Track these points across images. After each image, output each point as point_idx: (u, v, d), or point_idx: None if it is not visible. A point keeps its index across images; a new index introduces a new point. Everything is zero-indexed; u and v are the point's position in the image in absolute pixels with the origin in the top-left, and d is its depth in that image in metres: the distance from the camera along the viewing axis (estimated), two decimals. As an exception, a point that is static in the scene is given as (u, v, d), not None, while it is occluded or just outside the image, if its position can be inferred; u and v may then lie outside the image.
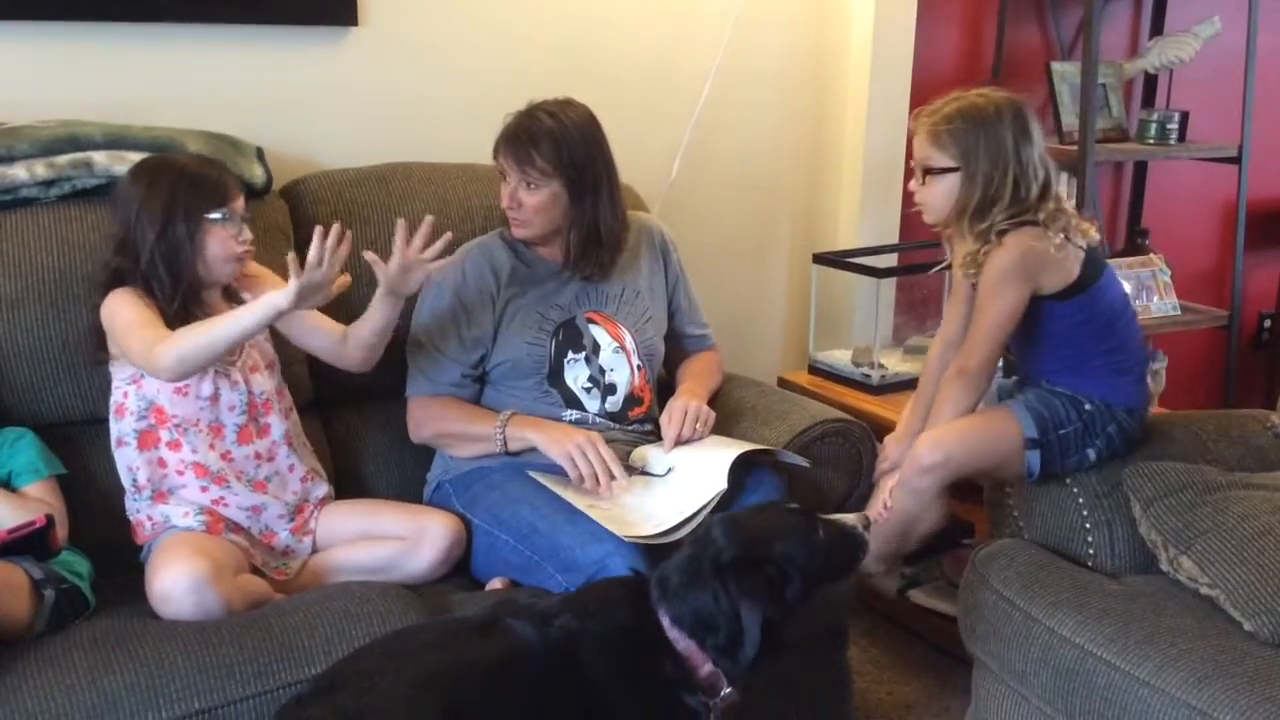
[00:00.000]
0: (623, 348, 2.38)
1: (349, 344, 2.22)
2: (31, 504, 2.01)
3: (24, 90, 2.36)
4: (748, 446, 2.22)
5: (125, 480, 2.11)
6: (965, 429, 2.22)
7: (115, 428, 2.11)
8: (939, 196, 2.22)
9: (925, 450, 2.20)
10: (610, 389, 2.36)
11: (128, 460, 2.10)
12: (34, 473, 2.05)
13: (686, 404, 2.31)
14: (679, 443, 2.26)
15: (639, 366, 2.39)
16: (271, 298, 1.97)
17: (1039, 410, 2.22)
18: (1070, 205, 2.23)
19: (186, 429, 2.08)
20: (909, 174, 3.35)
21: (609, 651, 1.63)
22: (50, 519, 1.91)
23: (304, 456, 2.23)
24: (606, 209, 2.31)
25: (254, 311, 1.98)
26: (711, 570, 1.66)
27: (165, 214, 2.03)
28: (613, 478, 2.16)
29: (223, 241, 2.07)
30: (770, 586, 1.67)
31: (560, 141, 2.24)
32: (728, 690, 1.69)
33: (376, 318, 2.18)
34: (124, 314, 2.02)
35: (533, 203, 2.27)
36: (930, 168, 2.21)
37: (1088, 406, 2.21)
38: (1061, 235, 2.16)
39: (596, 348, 2.36)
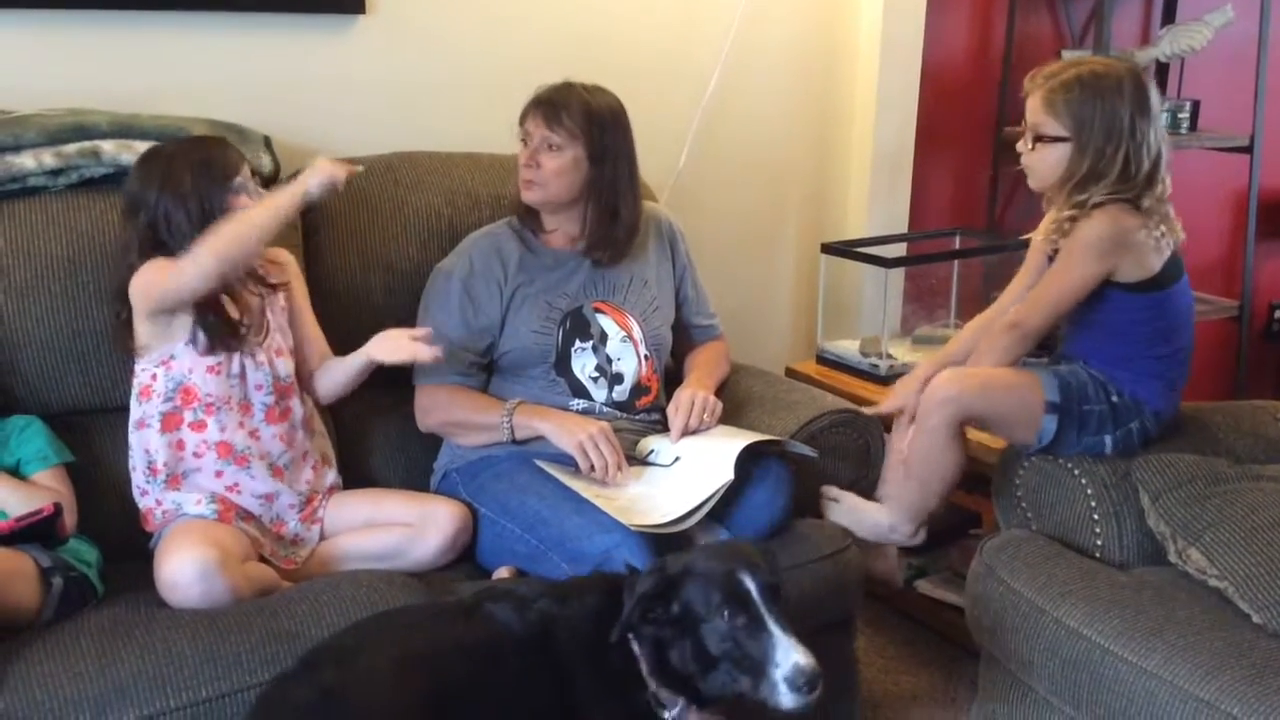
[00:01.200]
0: (630, 337, 2.38)
1: (320, 377, 2.25)
2: (40, 491, 2.01)
3: (31, 78, 2.36)
4: (755, 437, 2.22)
5: (139, 463, 2.11)
6: (987, 373, 2.22)
7: (138, 409, 2.11)
8: (1047, 164, 2.18)
9: (940, 384, 2.21)
10: (617, 378, 2.36)
11: (146, 442, 2.09)
12: (42, 460, 2.05)
13: (694, 394, 2.31)
14: (686, 433, 2.26)
15: (646, 356, 2.39)
16: (294, 186, 2.05)
17: (1066, 380, 2.21)
18: (1168, 172, 2.18)
19: (218, 408, 2.08)
20: (918, 163, 3.37)
21: (577, 634, 1.64)
22: (58, 507, 1.92)
23: (317, 443, 2.24)
24: (626, 189, 2.32)
25: (282, 195, 2.04)
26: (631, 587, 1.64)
27: (197, 205, 2.05)
28: (620, 470, 2.16)
29: (247, 207, 2.09)
30: (658, 608, 1.61)
31: (590, 111, 2.26)
32: (680, 705, 1.64)
33: (351, 367, 2.22)
34: (153, 266, 2.03)
35: (553, 165, 2.26)
36: (1042, 135, 2.16)
37: (1114, 398, 2.20)
38: (1161, 228, 2.12)
39: (604, 337, 2.36)
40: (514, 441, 2.26)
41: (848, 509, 2.38)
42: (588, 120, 2.25)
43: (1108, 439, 2.21)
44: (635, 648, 1.65)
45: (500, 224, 2.41)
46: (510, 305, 2.32)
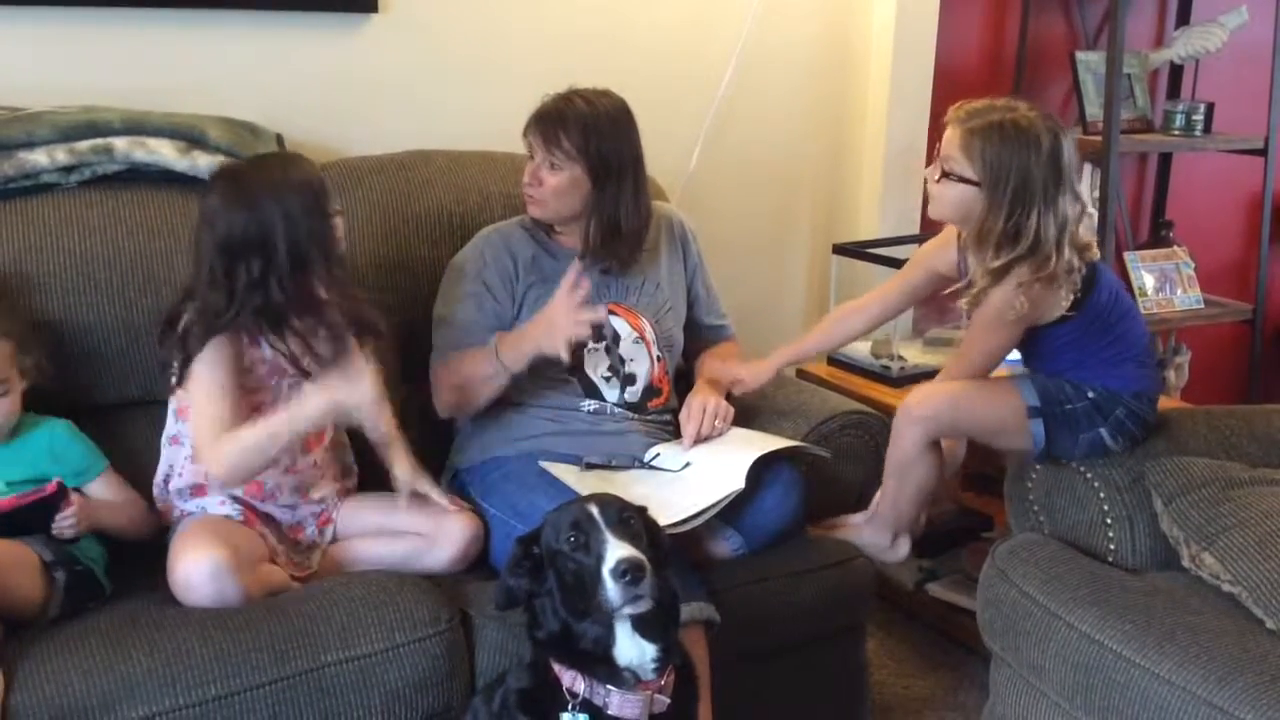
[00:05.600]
0: (643, 338, 2.37)
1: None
2: (103, 510, 2.01)
3: (44, 75, 2.36)
4: (769, 446, 2.20)
5: (163, 472, 2.10)
6: (958, 389, 2.26)
7: (175, 425, 2.10)
8: (949, 199, 2.14)
9: (914, 401, 2.26)
10: (629, 379, 2.35)
11: (175, 458, 2.09)
12: (78, 476, 2.02)
13: (705, 401, 2.30)
14: (698, 441, 2.25)
15: (659, 357, 2.39)
16: (325, 405, 1.96)
17: (1044, 385, 2.22)
18: (1082, 225, 2.14)
19: None
20: (930, 164, 3.35)
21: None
22: (62, 487, 1.91)
23: (339, 454, 2.23)
24: (629, 201, 2.29)
25: (311, 417, 1.97)
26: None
27: (308, 239, 1.97)
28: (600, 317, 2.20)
29: (340, 230, 2.06)
30: (524, 562, 1.68)
31: (589, 127, 2.23)
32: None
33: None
34: (204, 382, 1.96)
35: (553, 183, 2.26)
36: (951, 171, 2.12)
37: (1090, 394, 2.20)
38: (1071, 295, 2.10)
39: (617, 338, 2.35)
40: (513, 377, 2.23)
41: (841, 531, 2.42)
42: (587, 138, 2.23)
43: (1103, 431, 2.21)
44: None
45: (513, 222, 2.41)
46: (524, 303, 2.32)
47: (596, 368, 2.33)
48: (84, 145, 2.21)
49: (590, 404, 2.32)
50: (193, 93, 2.43)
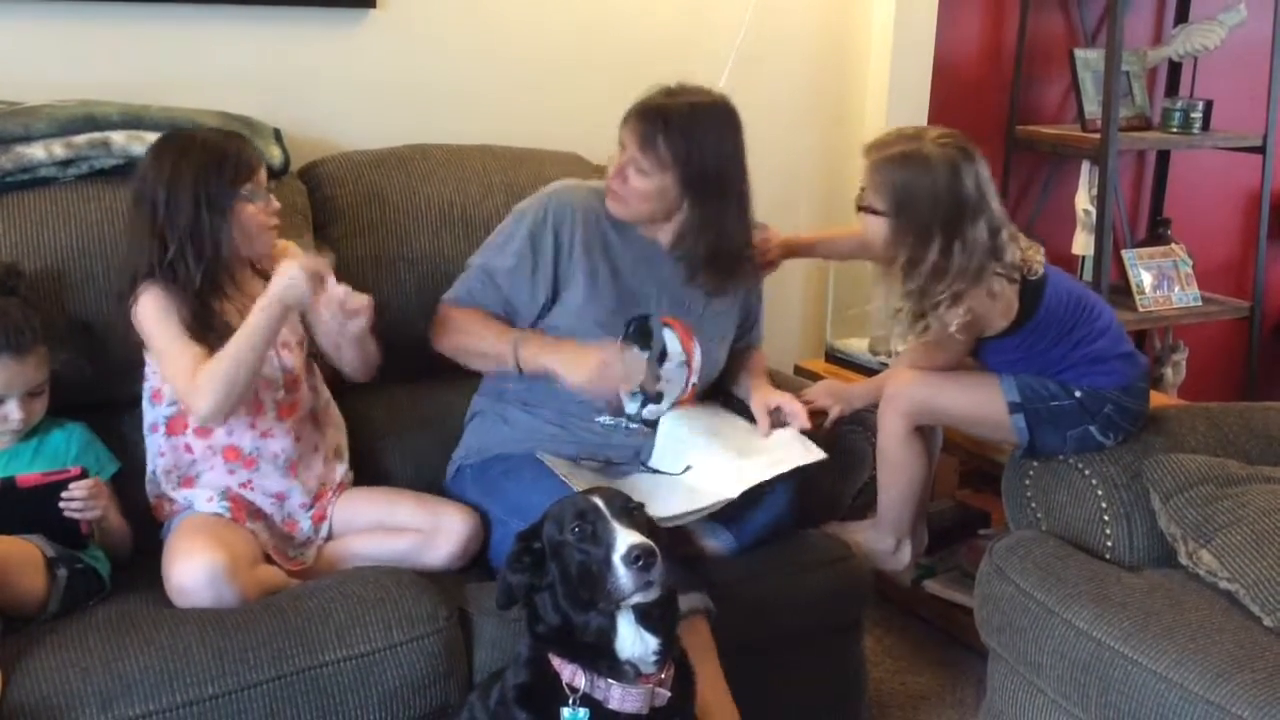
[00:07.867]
0: (688, 364, 2.29)
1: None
2: (112, 504, 2.01)
3: (42, 69, 2.36)
4: (775, 470, 2.15)
5: (150, 465, 2.11)
6: (935, 377, 2.28)
7: (150, 413, 2.11)
8: (872, 232, 2.14)
9: (891, 387, 2.32)
10: (657, 397, 2.28)
11: (157, 445, 2.10)
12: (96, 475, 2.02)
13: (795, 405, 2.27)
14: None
15: (694, 384, 2.31)
16: (268, 295, 1.96)
17: (1027, 382, 2.23)
18: (1010, 241, 2.11)
19: None
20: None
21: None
22: (85, 471, 1.91)
23: (330, 435, 2.23)
24: (733, 218, 2.19)
25: (260, 313, 1.96)
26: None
27: (194, 201, 2.01)
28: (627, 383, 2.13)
29: (253, 216, 2.07)
30: (524, 557, 1.66)
31: (691, 136, 2.11)
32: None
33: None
34: (158, 333, 2.00)
35: (639, 187, 2.14)
36: (863, 204, 2.13)
37: (1077, 393, 2.21)
38: (967, 314, 2.07)
39: (664, 355, 2.26)
40: (520, 373, 2.16)
41: (847, 534, 2.42)
42: (686, 148, 2.10)
43: (1092, 428, 2.21)
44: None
45: (595, 192, 2.25)
46: (571, 279, 2.21)
47: None
48: (81, 139, 2.21)
49: (605, 419, 2.26)
50: (191, 87, 2.42)
